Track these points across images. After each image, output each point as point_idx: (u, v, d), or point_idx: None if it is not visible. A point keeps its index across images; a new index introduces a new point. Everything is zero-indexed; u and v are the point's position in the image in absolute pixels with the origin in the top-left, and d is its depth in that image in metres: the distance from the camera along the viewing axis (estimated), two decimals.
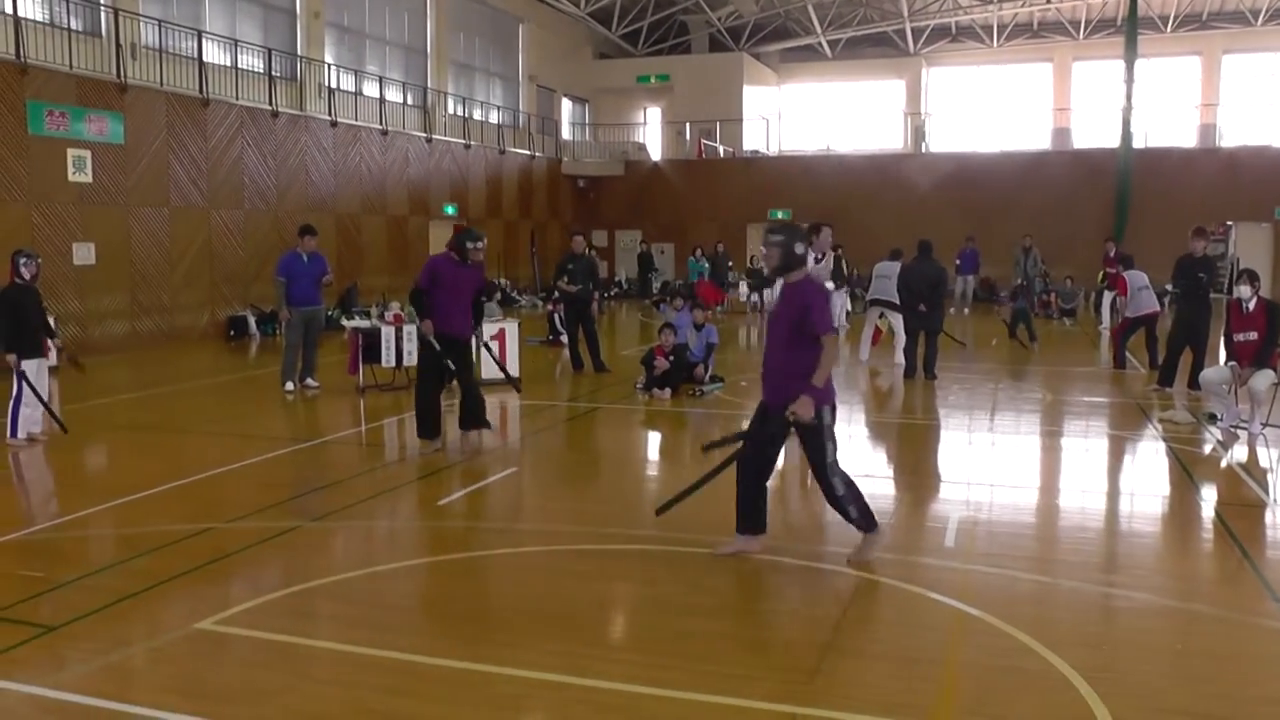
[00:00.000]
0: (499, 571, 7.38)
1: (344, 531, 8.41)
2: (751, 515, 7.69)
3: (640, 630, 6.47)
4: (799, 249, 7.45)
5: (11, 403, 11.49)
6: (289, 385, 15.09)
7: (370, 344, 15.19)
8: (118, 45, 21.47)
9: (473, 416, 11.32)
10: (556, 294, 18.53)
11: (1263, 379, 12.06)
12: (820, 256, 11.13)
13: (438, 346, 10.98)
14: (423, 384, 11.33)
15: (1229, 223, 33.59)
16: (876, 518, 7.61)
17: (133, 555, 7.57)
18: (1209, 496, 9.87)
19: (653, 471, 11.47)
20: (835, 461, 7.46)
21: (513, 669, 5.58)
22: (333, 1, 29.73)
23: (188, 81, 23.22)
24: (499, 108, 37.95)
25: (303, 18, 28.34)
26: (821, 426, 7.31)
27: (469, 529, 8.50)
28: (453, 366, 11.12)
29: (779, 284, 8.01)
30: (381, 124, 29.79)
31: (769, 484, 7.77)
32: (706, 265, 32.91)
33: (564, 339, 18.68)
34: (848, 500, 7.46)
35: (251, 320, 23.81)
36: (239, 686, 5.46)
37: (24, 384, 11.45)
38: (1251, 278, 12.59)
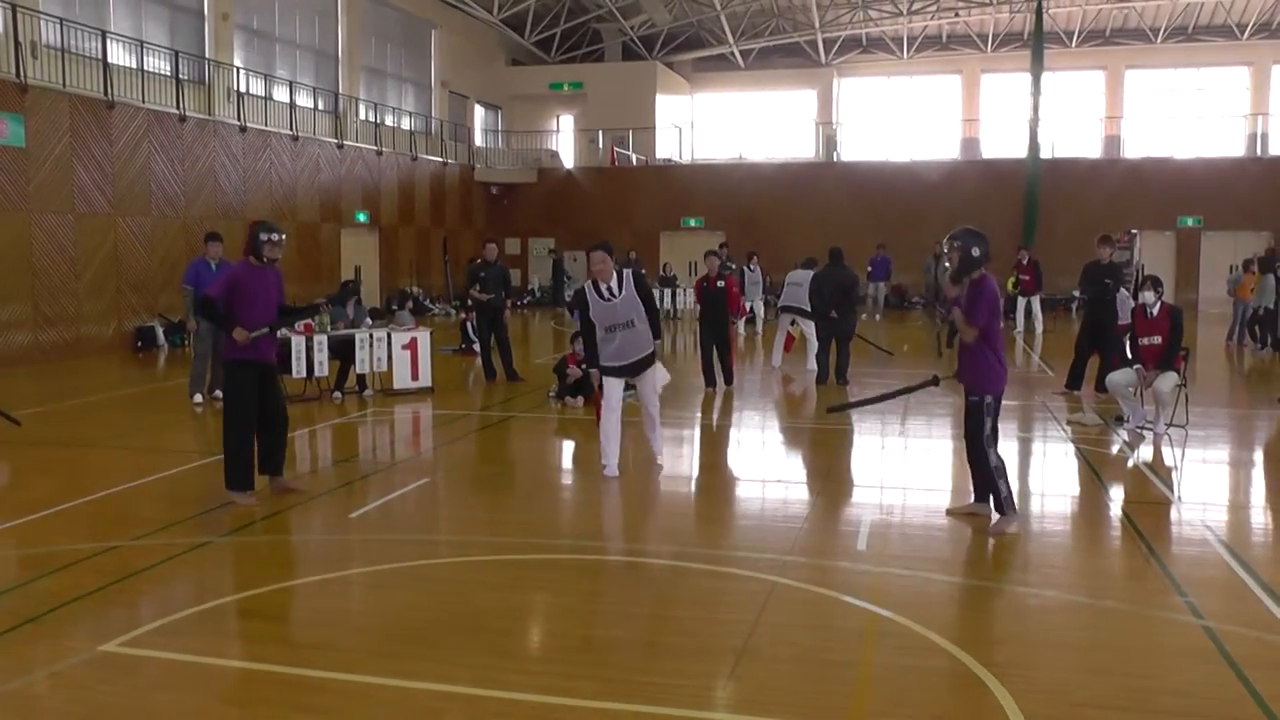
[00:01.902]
0: (413, 584, 7.30)
1: (255, 546, 8.29)
2: (978, 485, 8.78)
3: (554, 640, 6.46)
4: (975, 252, 8.38)
5: None
6: (198, 397, 14.84)
7: (281, 355, 14.93)
8: (16, 43, 20.91)
9: (276, 456, 9.73)
10: (469, 302, 18.43)
11: (1167, 381, 12.45)
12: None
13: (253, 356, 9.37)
14: (241, 421, 9.42)
15: (1134, 230, 34.30)
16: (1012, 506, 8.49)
17: (35, 576, 7.37)
18: (1116, 495, 10.13)
19: (567, 480, 11.44)
20: (990, 436, 8.46)
21: (428, 683, 5.54)
22: (241, 4, 29.25)
23: (92, 83, 22.68)
24: (411, 114, 37.70)
25: (211, 19, 27.83)
26: (982, 404, 8.41)
27: (382, 541, 8.40)
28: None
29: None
30: (292, 129, 29.44)
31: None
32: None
33: (476, 347, 18.59)
34: (999, 474, 8.48)
35: (159, 330, 23.35)
36: (144, 711, 5.33)
37: None
38: (1155, 284, 12.95)
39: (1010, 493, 8.49)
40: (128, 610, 6.71)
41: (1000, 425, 13.57)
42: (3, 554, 8.14)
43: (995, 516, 8.60)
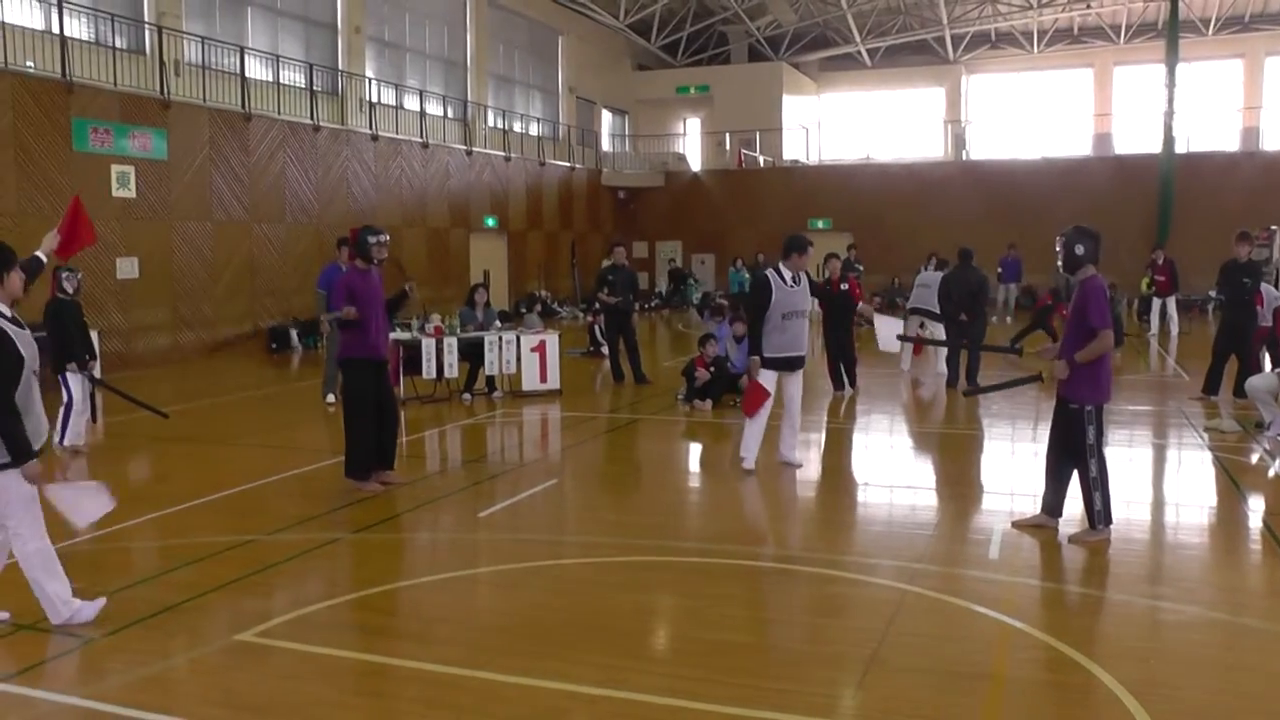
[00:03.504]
0: (538, 583, 7.36)
1: (384, 544, 8.44)
2: (1048, 498, 8.55)
3: (680, 643, 6.42)
4: (1078, 250, 8.17)
5: (61, 412, 11.64)
6: (330, 397, 15.13)
7: (411, 356, 15.25)
8: (161, 62, 21.71)
9: (388, 453, 10.18)
10: (597, 305, 18.51)
11: None
12: (795, 278, 10.59)
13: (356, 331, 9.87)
14: (360, 414, 9.95)
15: (1273, 227, 33.15)
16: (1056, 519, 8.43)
17: (174, 567, 7.63)
18: (1256, 506, 9.71)
19: (694, 483, 11.40)
20: (1094, 444, 8.15)
21: (551, 681, 5.56)
22: (373, 16, 29.97)
23: (230, 97, 23.47)
24: (539, 120, 38.11)
25: (344, 32, 28.59)
26: (1083, 412, 8.12)
27: (509, 541, 8.49)
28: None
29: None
30: (422, 137, 29.98)
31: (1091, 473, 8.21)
32: (747, 275, 32.82)
33: (605, 350, 18.67)
34: (1096, 486, 8.15)
35: (293, 333, 23.96)
36: (277, 699, 5.46)
37: (72, 394, 11.62)
38: None
39: (1106, 506, 8.17)
40: (262, 601, 6.90)
41: (1134, 432, 13.40)
42: (145, 545, 8.44)
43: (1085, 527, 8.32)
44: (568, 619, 6.57)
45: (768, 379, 10.54)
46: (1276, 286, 13.58)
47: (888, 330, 13.27)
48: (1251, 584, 7.62)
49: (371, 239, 9.90)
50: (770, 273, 10.60)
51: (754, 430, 10.75)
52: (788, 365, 10.61)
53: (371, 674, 5.84)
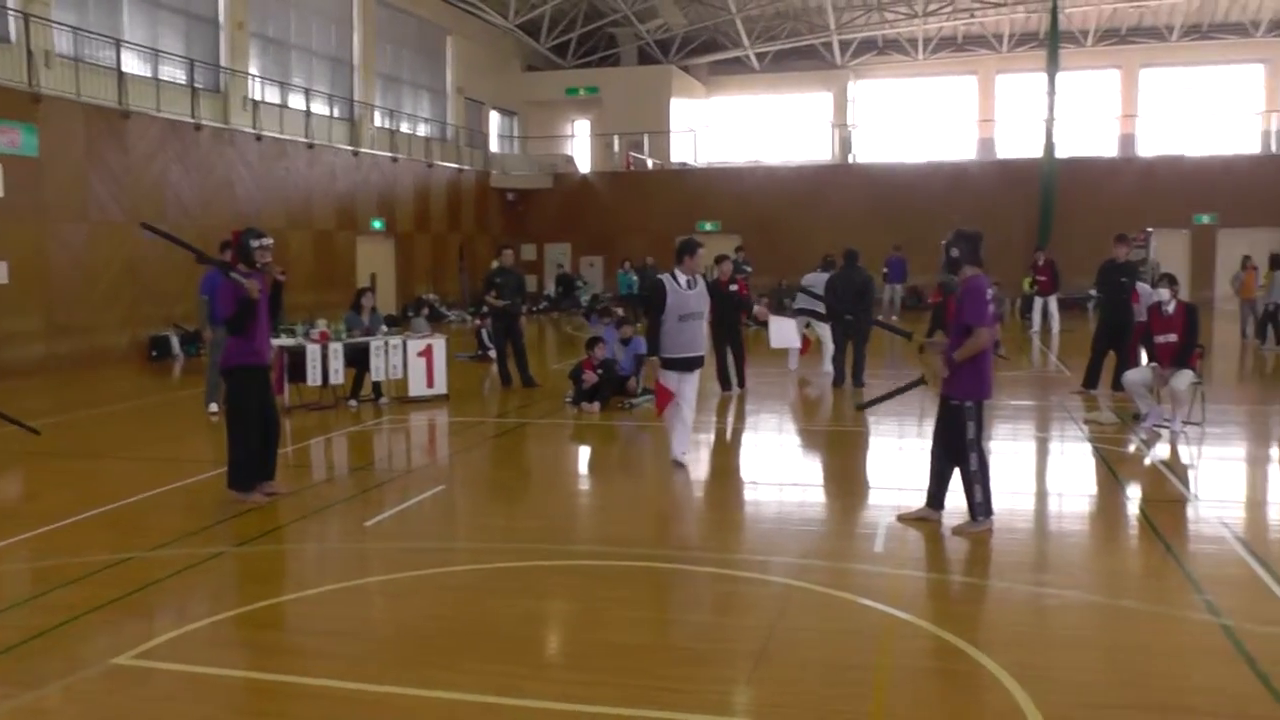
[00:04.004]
0: (429, 592, 7.28)
1: (270, 556, 8.28)
2: (932, 491, 8.71)
3: (572, 647, 6.44)
4: (953, 252, 8.42)
5: None
6: (213, 406, 14.80)
7: (296, 362, 14.99)
8: (29, 53, 21.00)
9: (270, 463, 9.94)
10: (485, 309, 18.41)
11: (1183, 379, 12.48)
12: (690, 281, 10.93)
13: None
14: (246, 423, 9.69)
15: (1149, 229, 34.20)
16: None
17: (47, 589, 7.33)
18: (1134, 494, 10.12)
19: (583, 486, 11.43)
20: (974, 440, 8.37)
21: (444, 691, 5.51)
22: (257, 11, 29.33)
23: (106, 92, 22.80)
24: (426, 120, 37.80)
25: (226, 28, 27.91)
26: (963, 408, 8.33)
27: (398, 550, 8.38)
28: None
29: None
30: (308, 137, 29.55)
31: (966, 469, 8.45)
32: (635, 278, 32.90)
33: (492, 354, 18.58)
34: (976, 479, 8.37)
35: (174, 340, 23.37)
36: None
37: None
38: (1171, 282, 13.02)
39: (987, 499, 8.41)
40: (142, 622, 6.69)
41: (1017, 426, 13.77)
42: (18, 566, 8.11)
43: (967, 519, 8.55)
44: (459, 627, 6.52)
45: (670, 380, 10.76)
46: (1152, 286, 14.01)
47: (782, 331, 13.52)
48: (1129, 568, 7.90)
49: (254, 243, 9.69)
50: (665, 276, 10.86)
51: (674, 425, 11.05)
52: (686, 366, 10.82)
53: (258, 692, 5.72)
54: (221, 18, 27.87)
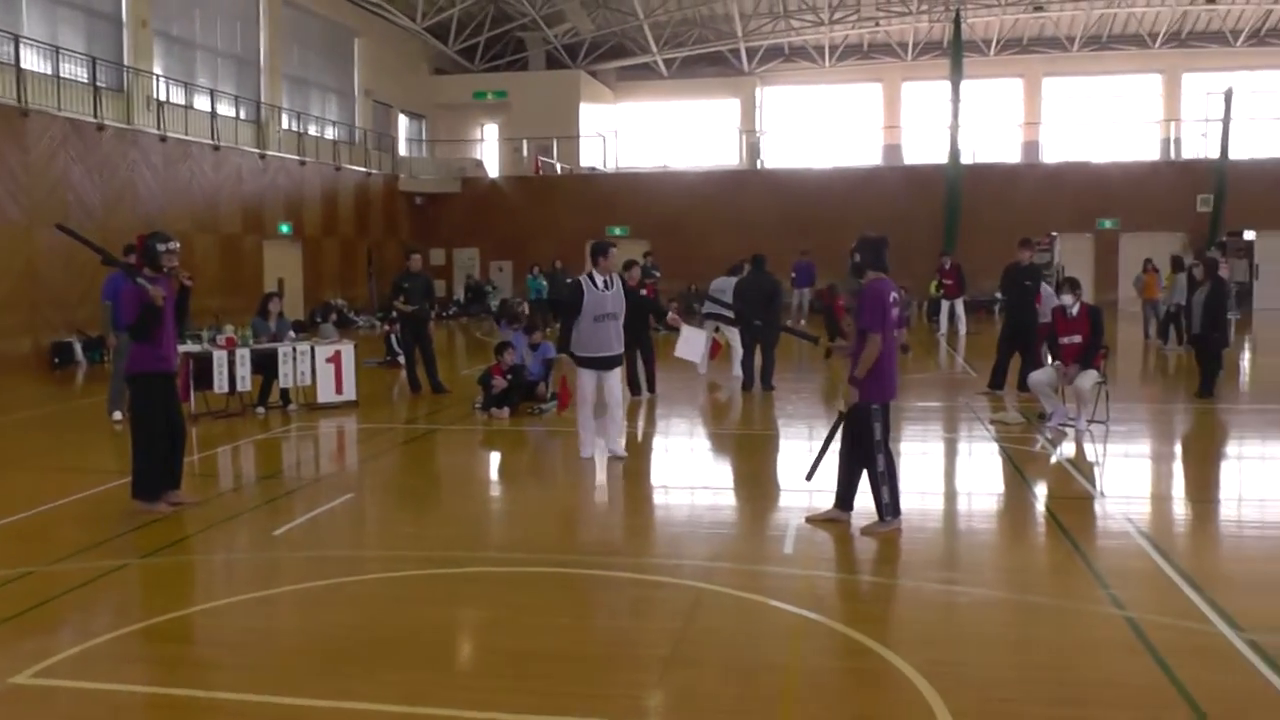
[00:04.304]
0: (340, 601, 7.22)
1: (176, 568, 8.14)
2: (840, 493, 8.81)
3: (484, 654, 6.44)
4: (856, 257, 8.61)
5: None
6: (117, 414, 14.51)
7: (202, 369, 14.74)
8: None
9: (176, 471, 9.75)
10: (393, 314, 18.30)
11: (1087, 378, 12.86)
12: (606, 282, 11.44)
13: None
14: (153, 432, 9.52)
15: (1053, 234, 34.91)
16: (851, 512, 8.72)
17: None
18: (1040, 492, 10.37)
19: (494, 492, 11.41)
20: (881, 441, 8.48)
21: (355, 702, 5.47)
22: (160, 10, 28.72)
23: (4, 90, 22.21)
24: (334, 123, 37.39)
25: (129, 25, 27.29)
26: (869, 410, 8.43)
27: (307, 559, 8.30)
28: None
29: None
30: (213, 139, 29.07)
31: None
32: (544, 283, 32.85)
33: (401, 360, 18.47)
34: (883, 480, 8.48)
35: (78, 346, 22.84)
36: None
37: None
38: (1073, 286, 13.41)
39: (894, 499, 8.56)
40: (42, 639, 6.50)
41: (926, 427, 14.01)
42: None
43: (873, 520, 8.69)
44: (370, 636, 6.47)
45: (587, 378, 11.35)
46: (1057, 287, 14.36)
47: (690, 342, 13.70)
48: (1036, 564, 8.09)
49: (161, 247, 9.56)
50: (583, 278, 11.40)
51: (580, 422, 11.59)
52: (603, 364, 11.35)
53: (165, 707, 5.61)
54: (124, 15, 27.26)
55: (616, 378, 11.67)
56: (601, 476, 11.18)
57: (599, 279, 11.31)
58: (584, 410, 11.58)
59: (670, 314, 15.09)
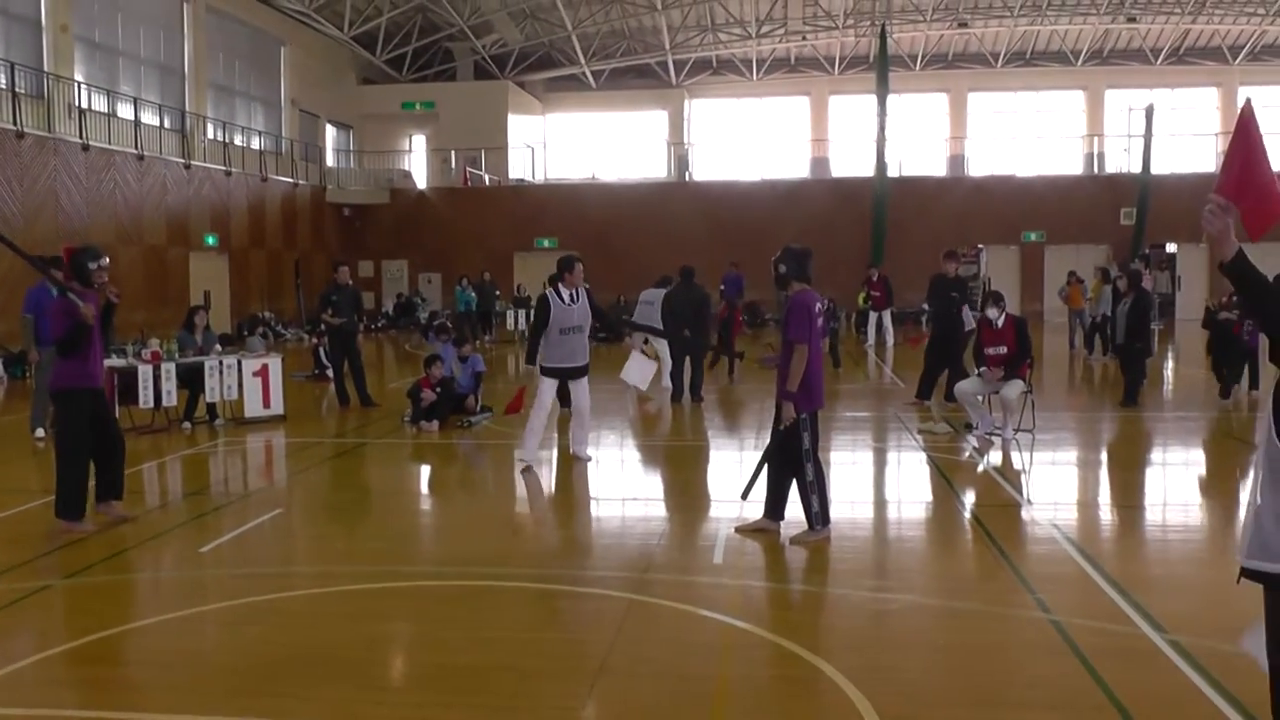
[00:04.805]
0: (268, 618, 7.15)
1: (101, 588, 7.99)
2: (769, 502, 8.88)
3: (413, 669, 6.42)
4: (781, 268, 8.69)
5: None
6: (39, 432, 14.27)
7: (126, 383, 14.51)
8: None
9: (117, 482, 9.67)
10: (321, 327, 18.16)
11: (1013, 388, 13.10)
12: (573, 296, 11.54)
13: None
14: (77, 450, 9.33)
15: (980, 246, 35.44)
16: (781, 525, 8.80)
17: None
18: (968, 500, 10.52)
19: (424, 506, 11.37)
20: (809, 450, 8.55)
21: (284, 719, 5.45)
22: (81, 14, 28.30)
23: None
24: (261, 133, 37.06)
25: (49, 30, 26.84)
26: (797, 419, 8.46)
27: (235, 576, 8.20)
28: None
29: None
30: (137, 148, 28.69)
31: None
32: (473, 295, 32.77)
33: (330, 373, 18.34)
34: (813, 490, 8.56)
35: None
36: None
37: None
38: (997, 299, 13.60)
39: (824, 508, 8.63)
40: None
41: (855, 437, 14.14)
42: None
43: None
44: (298, 653, 6.42)
45: (549, 387, 11.79)
46: (981, 302, 14.55)
47: (642, 369, 13.89)
48: (964, 571, 8.20)
49: (92, 265, 9.41)
50: (550, 292, 11.74)
51: (532, 431, 11.92)
52: (570, 374, 11.84)
53: None
54: (44, 19, 26.80)
55: (584, 385, 11.98)
56: (531, 489, 11.20)
57: (565, 293, 11.60)
58: (539, 417, 11.86)
59: (627, 339, 15.32)
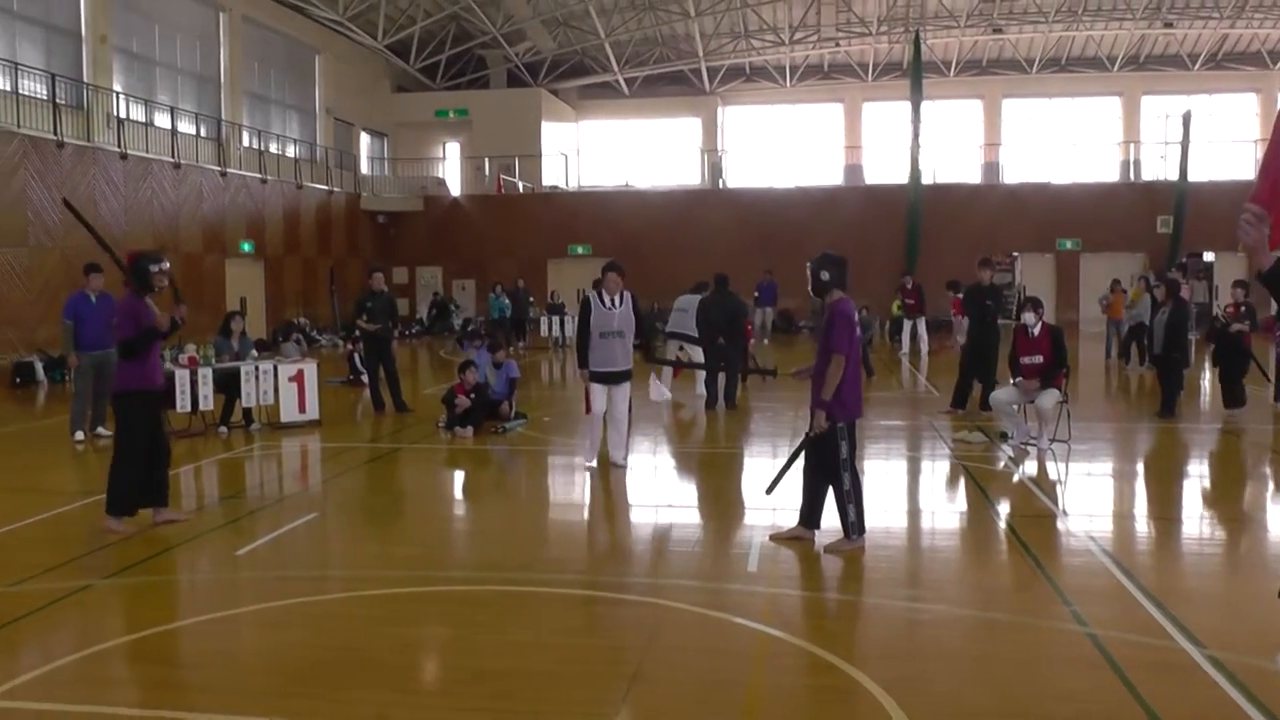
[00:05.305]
0: (302, 621, 7.20)
1: (139, 588, 8.08)
2: (805, 511, 8.84)
3: (445, 673, 6.44)
4: (824, 275, 8.64)
5: None
6: (79, 435, 14.44)
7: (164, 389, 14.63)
8: None
9: (162, 486, 9.73)
10: (356, 333, 18.25)
11: (1049, 398, 12.93)
12: (615, 300, 11.59)
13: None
14: (135, 451, 9.48)
15: (1014, 253, 35.24)
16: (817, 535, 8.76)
17: None
18: (1003, 510, 10.43)
19: (458, 511, 11.40)
20: (847, 460, 8.53)
21: None
22: (120, 25, 28.56)
23: None
24: (296, 141, 37.25)
25: (89, 42, 27.13)
26: (835, 429, 8.43)
27: (270, 579, 8.27)
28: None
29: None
30: (174, 156, 28.90)
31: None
32: (507, 302, 32.83)
33: (364, 379, 18.42)
34: (849, 499, 8.52)
35: (39, 366, 22.59)
36: None
37: None
38: (1035, 305, 13.42)
39: (859, 517, 8.60)
40: (5, 661, 6.45)
41: (889, 445, 14.08)
42: None
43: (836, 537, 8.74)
44: (332, 656, 6.46)
45: (596, 391, 11.86)
46: (1017, 309, 14.40)
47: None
48: (999, 582, 8.13)
49: (153, 267, 9.53)
50: (591, 295, 11.99)
51: (588, 433, 12.29)
52: (610, 379, 11.85)
53: None
54: (84, 31, 27.11)
55: (622, 392, 12.04)
56: (565, 495, 11.22)
57: (606, 297, 11.75)
58: (592, 424, 12.18)
59: (657, 348, 15.45)
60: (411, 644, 6.83)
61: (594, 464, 12.17)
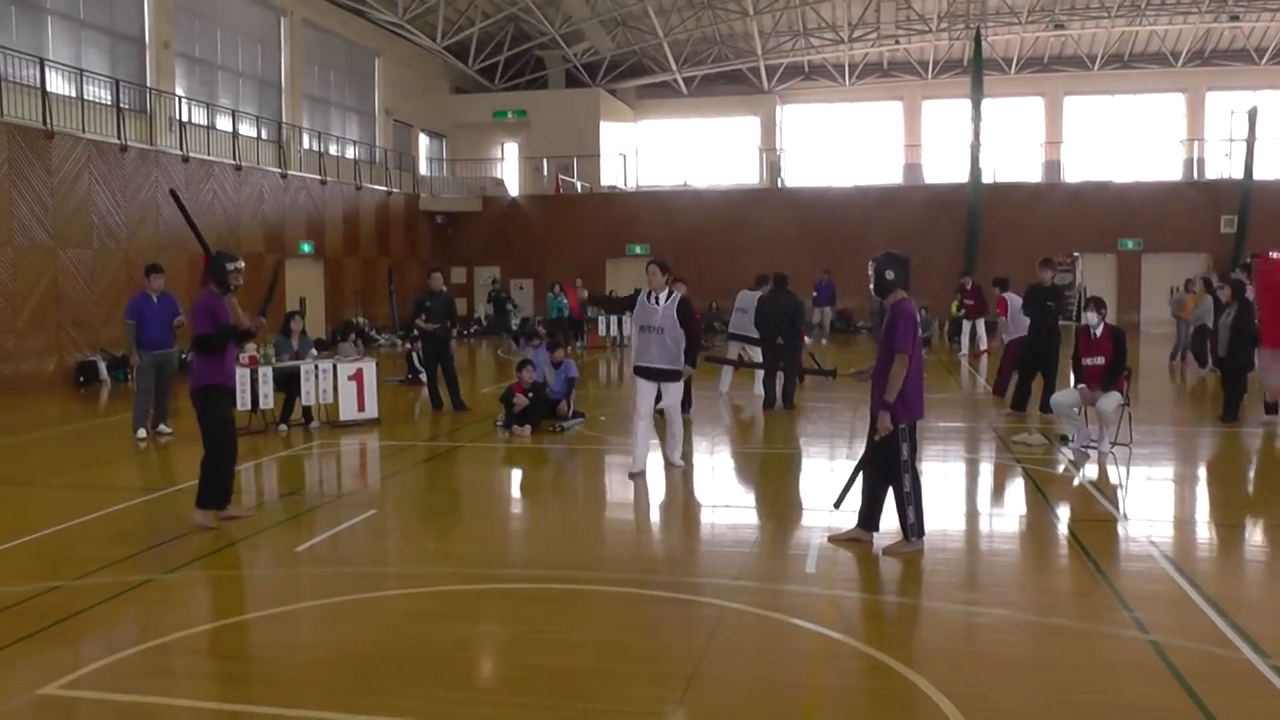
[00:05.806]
0: (361, 617, 7.24)
1: (200, 583, 8.19)
2: (864, 512, 8.78)
3: (503, 670, 6.44)
4: (888, 275, 8.53)
5: None
6: (141, 432, 14.64)
7: None
8: None
9: (228, 485, 9.92)
10: (415, 332, 18.35)
11: (1110, 401, 12.72)
12: (658, 296, 11.44)
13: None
14: (223, 442, 9.75)
15: (1075, 254, 34.81)
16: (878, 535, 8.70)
17: None
18: (1063, 514, 10.26)
19: (515, 510, 11.42)
20: (908, 461, 8.46)
21: (376, 717, 5.49)
22: (183, 31, 28.98)
23: (30, 112, 22.37)
24: (355, 143, 37.53)
25: (152, 47, 27.53)
26: (896, 429, 8.33)
27: (329, 575, 8.32)
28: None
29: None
30: (235, 159, 29.21)
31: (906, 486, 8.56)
32: (565, 301, 32.88)
33: (423, 378, 18.51)
34: (909, 500, 8.49)
35: (102, 365, 22.97)
36: None
37: None
38: (1098, 305, 13.20)
39: (919, 519, 8.54)
40: (69, 652, 6.57)
41: (947, 447, 13.95)
42: None
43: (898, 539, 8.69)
44: (391, 652, 6.48)
45: (641, 388, 11.78)
46: (1078, 309, 14.21)
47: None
48: (1058, 586, 8.02)
49: (229, 266, 9.81)
50: (643, 291, 11.89)
51: (633, 435, 11.96)
52: (652, 375, 11.67)
53: (189, 719, 5.65)
54: (147, 37, 27.51)
55: (674, 390, 11.87)
56: (622, 495, 11.21)
57: (652, 295, 11.67)
58: (636, 423, 11.89)
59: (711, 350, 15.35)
60: (469, 641, 6.85)
61: (640, 469, 11.83)
